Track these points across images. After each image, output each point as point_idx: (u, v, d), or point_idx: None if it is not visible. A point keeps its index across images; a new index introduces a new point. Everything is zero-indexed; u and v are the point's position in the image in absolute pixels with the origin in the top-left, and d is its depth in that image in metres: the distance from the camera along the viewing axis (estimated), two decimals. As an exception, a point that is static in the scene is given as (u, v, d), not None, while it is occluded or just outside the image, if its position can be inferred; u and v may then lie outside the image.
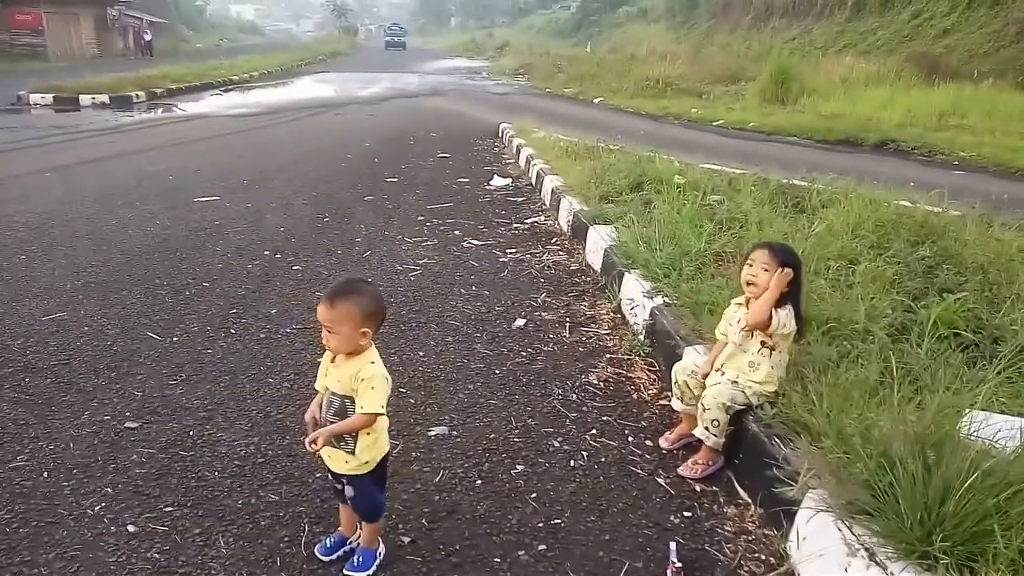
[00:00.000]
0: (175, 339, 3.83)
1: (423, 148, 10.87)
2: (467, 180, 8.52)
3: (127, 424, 2.97)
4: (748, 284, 2.62)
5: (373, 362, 2.06)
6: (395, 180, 8.40)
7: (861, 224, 4.49)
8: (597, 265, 5.00)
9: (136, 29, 40.61)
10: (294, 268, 5.11)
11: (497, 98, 20.38)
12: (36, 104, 16.28)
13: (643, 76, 21.30)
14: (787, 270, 2.55)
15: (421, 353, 3.74)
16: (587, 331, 4.03)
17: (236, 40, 65.27)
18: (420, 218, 6.63)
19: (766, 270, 2.56)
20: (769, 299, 2.52)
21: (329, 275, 4.93)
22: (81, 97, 16.63)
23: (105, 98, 16.76)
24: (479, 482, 2.64)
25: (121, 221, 6.27)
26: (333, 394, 2.10)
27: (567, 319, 4.20)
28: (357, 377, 2.03)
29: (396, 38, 59.83)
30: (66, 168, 8.88)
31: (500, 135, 12.12)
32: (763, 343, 2.61)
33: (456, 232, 6.16)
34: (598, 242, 5.03)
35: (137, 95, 17.58)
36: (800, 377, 2.68)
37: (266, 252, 5.44)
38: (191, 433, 2.92)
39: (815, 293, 3.40)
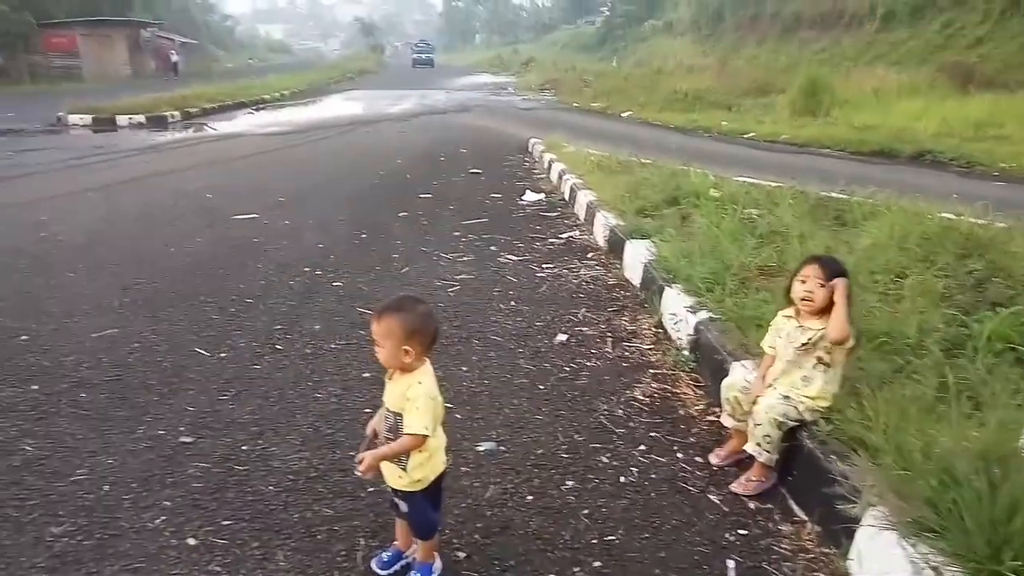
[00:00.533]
0: (223, 355, 3.89)
1: (454, 164, 10.97)
2: (500, 195, 8.57)
3: (181, 439, 3.03)
4: (803, 300, 2.60)
5: (421, 382, 2.06)
6: (428, 196, 8.47)
7: (906, 237, 4.44)
8: (636, 280, 4.99)
9: (164, 50, 41.64)
10: (335, 284, 5.17)
11: (524, 113, 20.50)
12: (75, 124, 16.71)
13: (671, 89, 21.37)
14: (843, 280, 2.54)
15: (464, 368, 3.76)
16: (630, 346, 4.03)
17: (266, 59, 66.60)
18: (455, 233, 6.68)
19: (821, 285, 2.55)
20: (844, 311, 2.49)
21: (369, 291, 4.99)
22: (118, 117, 17.04)
23: (141, 118, 17.16)
24: (530, 498, 2.64)
25: (163, 239, 6.40)
26: (388, 410, 2.12)
27: (609, 334, 4.20)
28: (405, 396, 2.05)
29: (424, 55, 59.25)
30: (106, 187, 9.10)
31: (530, 150, 12.18)
32: (819, 359, 2.59)
33: (492, 247, 6.19)
34: (636, 257, 5.03)
35: (172, 115, 17.98)
36: (854, 392, 2.65)
37: (306, 269, 5.51)
38: (244, 448, 2.96)
39: (864, 307, 3.36)
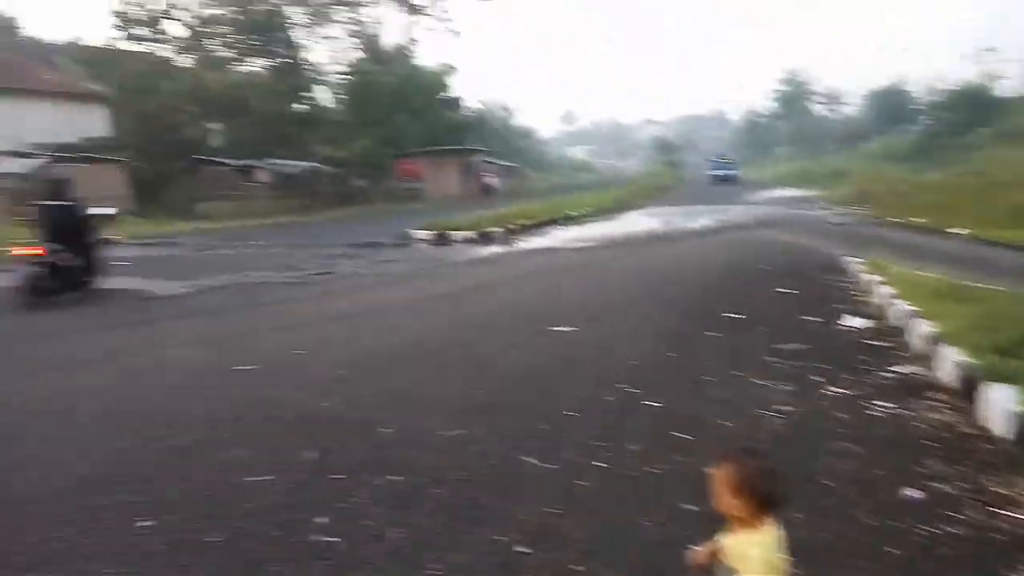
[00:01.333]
0: (551, 466, 4.11)
1: (759, 281, 10.61)
2: (815, 318, 8.05)
3: (517, 548, 3.22)
4: None
5: (760, 544, 1.96)
6: (734, 315, 8.25)
7: None
8: (1003, 432, 4.27)
9: (485, 173, 47.87)
10: (647, 403, 5.21)
11: (834, 229, 19.29)
12: (419, 239, 19.51)
13: (1011, 203, 18.58)
14: None
15: (798, 515, 3.48)
16: (1005, 515, 3.41)
17: (572, 178, 72.13)
18: (769, 359, 6.37)
19: None
20: None
21: (683, 414, 4.94)
22: (452, 233, 19.54)
23: (471, 234, 19.46)
24: None
25: (494, 347, 7.06)
26: (728, 563, 2.05)
27: (974, 496, 3.61)
28: (742, 555, 1.98)
29: (723, 171, 54.40)
30: (445, 296, 10.39)
31: (845, 269, 11.35)
32: None
33: (812, 377, 5.79)
34: (1001, 404, 4.33)
35: (495, 231, 20.13)
36: None
37: (619, 384, 5.65)
38: (574, 567, 3.06)
39: None
